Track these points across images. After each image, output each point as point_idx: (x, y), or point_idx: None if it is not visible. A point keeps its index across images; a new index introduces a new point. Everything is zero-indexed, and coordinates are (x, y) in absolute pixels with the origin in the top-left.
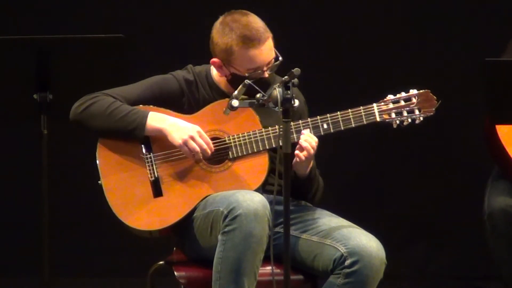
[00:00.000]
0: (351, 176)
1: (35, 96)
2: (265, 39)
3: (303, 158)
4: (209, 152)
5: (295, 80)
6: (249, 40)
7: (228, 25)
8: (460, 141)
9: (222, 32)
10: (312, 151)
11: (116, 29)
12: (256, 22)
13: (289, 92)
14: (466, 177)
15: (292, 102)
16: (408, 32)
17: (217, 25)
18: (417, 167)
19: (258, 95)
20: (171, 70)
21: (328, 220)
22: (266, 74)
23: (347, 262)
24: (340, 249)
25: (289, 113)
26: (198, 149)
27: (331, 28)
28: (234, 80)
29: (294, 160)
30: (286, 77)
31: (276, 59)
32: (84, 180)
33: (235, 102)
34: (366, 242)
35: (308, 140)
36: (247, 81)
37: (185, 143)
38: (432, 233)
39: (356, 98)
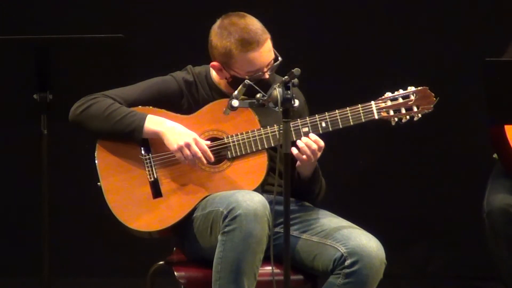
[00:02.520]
0: (351, 176)
1: (35, 96)
2: (264, 41)
3: (303, 158)
4: (204, 161)
5: (295, 80)
6: (248, 43)
7: (226, 28)
8: (460, 141)
9: (220, 36)
10: (309, 152)
11: (116, 29)
12: (253, 24)
13: (289, 92)
14: (466, 177)
15: (292, 102)
16: (407, 30)
17: (215, 28)
18: (417, 167)
19: (258, 95)
20: (171, 71)
21: (328, 220)
22: (267, 75)
23: (347, 262)
24: (340, 249)
25: (289, 113)
26: (191, 157)
27: (330, 27)
28: (235, 83)
29: (297, 162)
30: (286, 77)
31: (276, 59)
32: (84, 180)
33: (235, 102)
34: (366, 242)
35: (308, 142)
36: (247, 81)
37: (180, 149)
38: (432, 233)
39: (355, 96)
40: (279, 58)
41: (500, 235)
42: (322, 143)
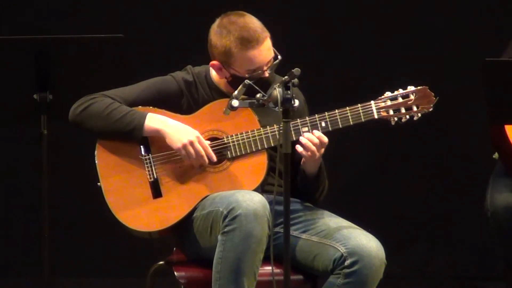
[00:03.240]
0: (351, 176)
1: (35, 96)
2: (263, 39)
3: (307, 155)
4: (206, 160)
5: (295, 80)
6: (247, 42)
7: (225, 27)
8: (460, 141)
9: (219, 35)
10: (313, 148)
11: (116, 29)
12: (253, 22)
13: (289, 92)
14: (466, 177)
15: (292, 102)
16: (407, 30)
17: (214, 27)
18: (416, 167)
19: (258, 95)
20: (171, 71)
21: (328, 220)
22: (266, 74)
23: (347, 262)
24: (340, 249)
25: (289, 113)
26: (195, 155)
27: (329, 26)
28: (235, 82)
29: (302, 159)
30: (286, 77)
31: (275, 58)
32: (84, 180)
33: (235, 102)
34: (366, 242)
35: (310, 137)
36: (247, 81)
37: (184, 147)
38: (432, 233)
39: (354, 96)
40: (279, 57)
41: (507, 234)
42: (325, 139)
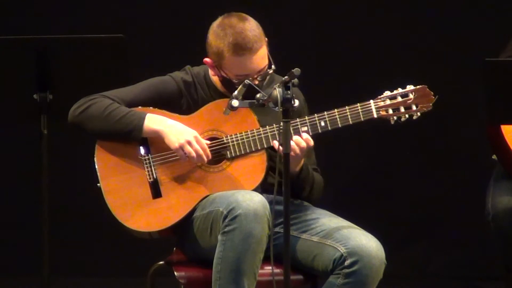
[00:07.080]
0: (351, 175)
1: (35, 96)
2: (257, 48)
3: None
4: (205, 159)
5: (295, 80)
6: (240, 49)
7: (223, 29)
8: (460, 141)
9: (216, 35)
10: (297, 151)
11: (116, 29)
12: (251, 29)
13: (289, 92)
14: (466, 177)
15: (292, 102)
16: (406, 30)
17: (214, 26)
18: (417, 167)
19: (258, 95)
20: (171, 71)
21: (328, 220)
22: (256, 82)
23: (347, 262)
24: (340, 249)
25: (289, 113)
26: (193, 154)
27: (329, 26)
28: (225, 82)
29: None
30: (286, 77)
31: (270, 66)
32: (84, 180)
33: (235, 102)
34: (366, 242)
35: (297, 140)
36: (247, 81)
37: (181, 147)
38: (432, 233)
39: (353, 95)
40: (273, 66)
41: (509, 237)
42: (311, 143)
